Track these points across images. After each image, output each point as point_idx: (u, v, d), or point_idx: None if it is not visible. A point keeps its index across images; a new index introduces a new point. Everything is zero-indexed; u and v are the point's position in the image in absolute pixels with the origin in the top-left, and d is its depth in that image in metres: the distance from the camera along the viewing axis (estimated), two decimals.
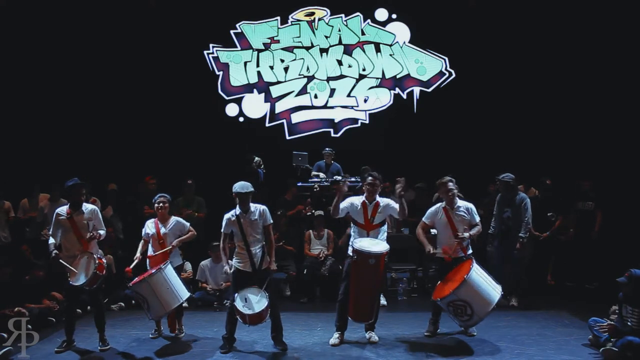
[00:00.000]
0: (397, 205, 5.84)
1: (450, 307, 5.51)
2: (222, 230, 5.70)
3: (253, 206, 5.67)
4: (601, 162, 9.45)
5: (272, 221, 5.80)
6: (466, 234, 5.84)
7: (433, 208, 6.12)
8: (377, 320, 5.99)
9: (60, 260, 5.64)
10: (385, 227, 5.95)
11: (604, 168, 9.30)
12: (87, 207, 5.87)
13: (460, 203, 6.01)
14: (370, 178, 5.88)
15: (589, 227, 8.42)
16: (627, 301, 5.37)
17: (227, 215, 5.69)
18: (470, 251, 5.98)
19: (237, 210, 5.63)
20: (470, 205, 6.04)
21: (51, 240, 5.82)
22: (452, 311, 5.54)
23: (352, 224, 5.97)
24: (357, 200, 5.92)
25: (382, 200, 5.89)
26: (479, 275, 5.56)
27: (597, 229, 8.38)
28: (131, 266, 6.01)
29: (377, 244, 5.68)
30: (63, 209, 5.82)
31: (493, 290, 5.57)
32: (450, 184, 5.97)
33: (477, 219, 6.00)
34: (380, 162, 9.54)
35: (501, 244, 7.43)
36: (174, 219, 6.24)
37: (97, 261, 5.62)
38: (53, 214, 7.62)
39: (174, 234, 6.15)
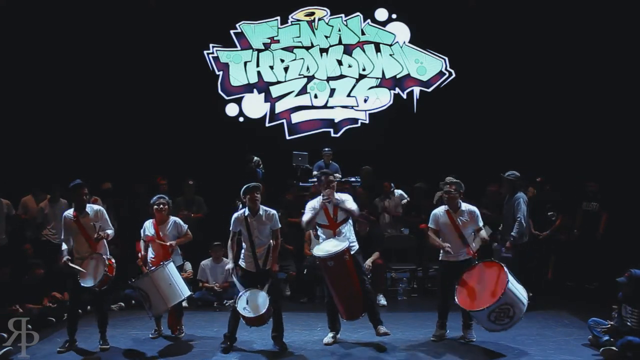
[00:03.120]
0: (353, 205, 5.73)
1: (493, 314, 5.31)
2: (230, 228, 5.74)
3: (262, 209, 5.69)
4: (606, 163, 9.44)
5: (280, 226, 5.81)
6: (483, 234, 5.75)
7: (436, 211, 6.00)
8: (380, 315, 5.92)
9: (70, 264, 5.64)
10: (350, 221, 5.86)
11: (609, 169, 9.29)
12: (92, 208, 5.87)
13: (464, 206, 5.88)
14: (322, 178, 5.83)
15: (593, 227, 8.41)
16: (627, 301, 5.37)
17: (235, 215, 5.73)
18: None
19: (246, 211, 5.65)
20: (474, 209, 5.90)
21: (64, 247, 5.81)
22: (494, 317, 5.32)
23: (317, 227, 5.92)
24: (316, 202, 5.83)
25: (340, 196, 5.80)
26: (511, 275, 5.43)
27: (602, 231, 8.36)
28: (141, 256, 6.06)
29: (335, 245, 5.61)
30: (69, 213, 5.82)
31: (521, 288, 5.53)
32: (453, 187, 5.86)
33: (481, 223, 5.87)
34: (380, 162, 9.61)
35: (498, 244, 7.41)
36: (172, 219, 6.22)
37: (107, 262, 5.64)
38: (53, 214, 7.62)
39: (172, 235, 6.14)
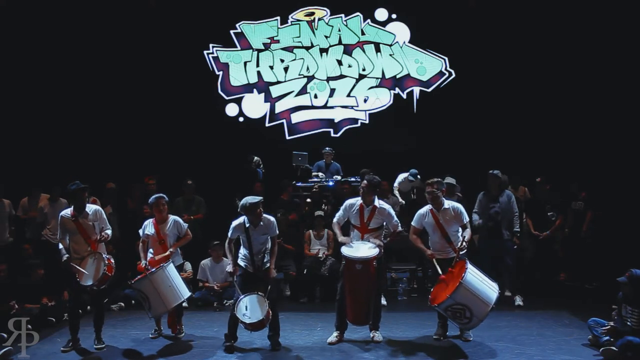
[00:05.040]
0: (396, 221, 5.87)
1: (448, 312, 5.40)
2: (229, 235, 5.73)
3: (263, 217, 5.67)
4: (599, 162, 9.46)
5: (277, 232, 5.82)
6: (464, 243, 5.66)
7: (421, 210, 6.00)
8: (380, 321, 6.00)
9: (72, 264, 5.65)
10: (382, 232, 5.91)
11: (603, 168, 9.31)
12: (90, 208, 5.88)
13: (448, 204, 5.89)
14: (364, 182, 5.88)
15: (581, 226, 8.47)
16: (626, 301, 5.37)
17: (235, 223, 5.69)
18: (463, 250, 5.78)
19: (247, 222, 5.63)
20: (458, 205, 5.91)
21: (61, 246, 5.82)
22: (450, 315, 5.43)
23: (350, 226, 5.98)
24: (355, 201, 5.91)
25: (382, 205, 5.86)
26: (474, 276, 5.42)
27: (585, 229, 8.42)
28: (142, 264, 5.97)
29: (366, 249, 5.65)
30: (67, 212, 5.83)
31: (490, 289, 5.45)
32: (435, 185, 5.84)
33: (466, 219, 5.86)
34: (379, 162, 9.60)
35: (490, 240, 7.40)
36: (172, 218, 6.22)
37: (106, 262, 5.65)
38: (53, 213, 7.64)
39: (173, 234, 6.15)
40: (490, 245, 7.38)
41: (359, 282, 5.58)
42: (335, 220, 6.04)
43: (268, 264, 5.74)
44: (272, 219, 5.78)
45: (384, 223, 5.92)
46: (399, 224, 5.94)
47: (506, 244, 7.31)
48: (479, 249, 7.54)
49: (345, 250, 5.70)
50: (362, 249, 5.67)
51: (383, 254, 5.84)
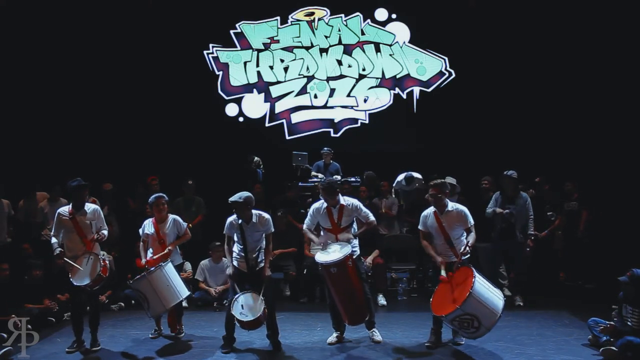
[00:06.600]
0: (365, 212, 5.80)
1: (455, 322, 5.25)
2: (224, 232, 5.74)
3: (255, 215, 5.65)
4: (598, 162, 9.46)
5: (273, 230, 5.80)
6: (467, 248, 5.50)
7: (424, 212, 5.86)
8: (375, 318, 6.00)
9: (66, 259, 5.63)
10: (354, 225, 5.87)
11: (601, 168, 9.31)
12: (89, 207, 5.86)
13: (452, 206, 5.71)
14: (320, 189, 5.85)
15: (575, 226, 8.48)
16: (627, 301, 5.36)
17: (230, 219, 5.70)
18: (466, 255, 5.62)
19: (239, 219, 5.63)
20: (463, 208, 5.71)
21: (54, 240, 5.78)
22: (457, 325, 5.28)
23: (321, 229, 5.93)
24: (321, 205, 5.85)
25: (348, 202, 5.80)
26: (482, 285, 5.28)
27: (582, 229, 8.42)
28: (142, 261, 5.98)
29: (337, 250, 5.59)
30: (65, 209, 5.81)
31: (497, 298, 5.32)
32: (436, 189, 5.69)
33: (471, 222, 5.66)
34: (379, 162, 9.61)
35: (501, 241, 7.40)
36: (171, 217, 6.22)
37: (102, 263, 5.63)
38: (53, 213, 7.63)
39: (173, 233, 6.15)
40: (501, 246, 7.42)
41: (341, 284, 5.54)
42: (305, 227, 5.98)
43: (262, 263, 5.71)
44: (267, 216, 5.75)
45: (354, 218, 5.87)
46: (370, 214, 5.84)
47: (518, 245, 7.31)
48: (486, 249, 7.57)
49: (318, 257, 5.64)
50: (333, 252, 5.60)
51: (359, 252, 5.80)
